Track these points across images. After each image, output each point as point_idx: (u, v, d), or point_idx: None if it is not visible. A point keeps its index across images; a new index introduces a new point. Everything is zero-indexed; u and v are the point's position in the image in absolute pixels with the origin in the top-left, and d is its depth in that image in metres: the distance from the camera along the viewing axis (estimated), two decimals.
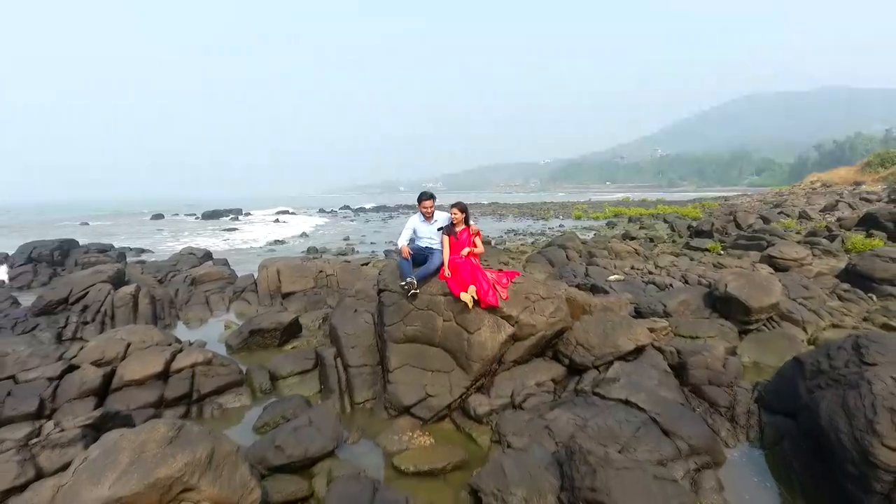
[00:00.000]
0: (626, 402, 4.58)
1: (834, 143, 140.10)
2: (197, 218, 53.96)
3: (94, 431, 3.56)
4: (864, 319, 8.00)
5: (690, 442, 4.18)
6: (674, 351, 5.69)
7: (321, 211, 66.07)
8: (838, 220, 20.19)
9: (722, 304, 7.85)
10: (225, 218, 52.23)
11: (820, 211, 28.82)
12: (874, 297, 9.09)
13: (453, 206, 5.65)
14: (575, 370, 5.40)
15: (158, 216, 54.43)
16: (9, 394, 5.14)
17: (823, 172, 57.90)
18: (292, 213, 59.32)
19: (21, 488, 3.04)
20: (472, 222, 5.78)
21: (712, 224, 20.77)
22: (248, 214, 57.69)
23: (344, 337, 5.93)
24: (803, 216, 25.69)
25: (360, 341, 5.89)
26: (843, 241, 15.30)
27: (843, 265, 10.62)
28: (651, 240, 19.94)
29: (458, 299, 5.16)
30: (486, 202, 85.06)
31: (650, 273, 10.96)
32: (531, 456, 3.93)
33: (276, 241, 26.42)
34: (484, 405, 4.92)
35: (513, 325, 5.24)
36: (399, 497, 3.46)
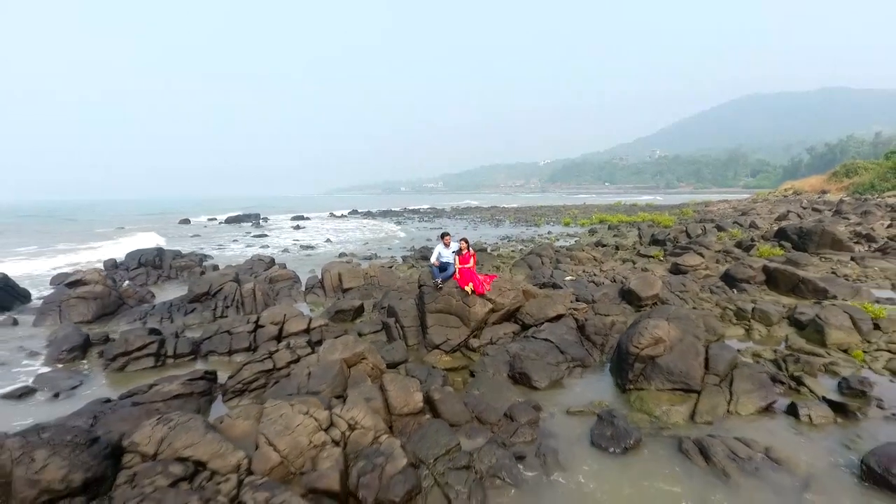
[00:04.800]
0: (546, 340, 9.33)
1: (826, 145, 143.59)
2: (220, 223, 58.67)
3: (309, 345, 8.33)
4: (716, 305, 12.69)
5: (573, 356, 8.95)
6: (582, 319, 10.44)
7: (332, 215, 70.94)
8: (764, 232, 24.82)
9: (626, 295, 12.61)
10: (246, 224, 56.87)
11: (775, 219, 33.42)
12: (735, 292, 13.80)
13: (461, 240, 10.38)
14: (524, 327, 10.16)
15: (185, 221, 59.19)
16: (231, 339, 9.95)
17: (797, 180, 62.35)
18: (307, 219, 64.12)
19: (295, 361, 7.83)
20: (471, 249, 10.49)
21: (668, 234, 25.48)
22: (266, 220, 62.43)
23: (400, 311, 10.67)
24: (753, 226, 30.30)
25: (408, 313, 10.62)
26: (757, 249, 20.01)
27: None
28: (617, 247, 24.61)
29: (463, 290, 9.92)
30: (485, 206, 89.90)
31: (594, 275, 15.73)
32: (497, 358, 8.73)
33: (308, 247, 31.04)
34: (476, 343, 9.67)
35: (492, 304, 10.00)
36: (441, 372, 8.20)
